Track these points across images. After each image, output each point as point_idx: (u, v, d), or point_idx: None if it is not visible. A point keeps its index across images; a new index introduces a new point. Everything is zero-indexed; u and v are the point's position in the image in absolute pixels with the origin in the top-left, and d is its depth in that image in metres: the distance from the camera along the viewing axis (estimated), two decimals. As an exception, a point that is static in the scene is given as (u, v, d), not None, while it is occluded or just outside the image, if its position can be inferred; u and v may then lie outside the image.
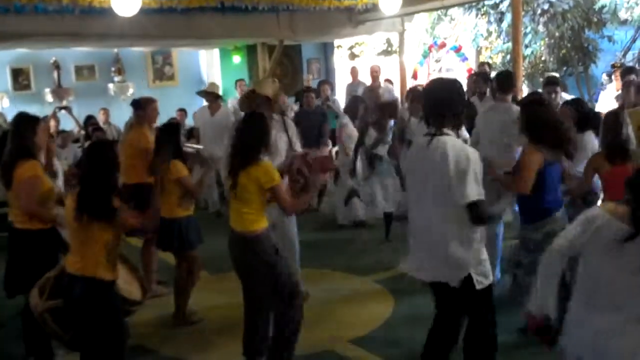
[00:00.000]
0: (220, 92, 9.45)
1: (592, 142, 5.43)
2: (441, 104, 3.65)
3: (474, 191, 3.45)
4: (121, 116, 10.34)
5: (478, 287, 3.58)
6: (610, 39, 12.83)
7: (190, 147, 7.75)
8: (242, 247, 4.29)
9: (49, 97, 11.57)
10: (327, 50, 14.77)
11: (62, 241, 4.42)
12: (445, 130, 3.59)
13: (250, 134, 4.24)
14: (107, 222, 3.62)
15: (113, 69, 12.44)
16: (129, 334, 4.10)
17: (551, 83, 7.06)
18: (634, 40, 12.72)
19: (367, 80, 11.98)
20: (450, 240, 3.53)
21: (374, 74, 11.07)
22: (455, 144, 3.56)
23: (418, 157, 3.71)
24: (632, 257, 2.67)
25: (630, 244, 2.67)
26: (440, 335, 3.88)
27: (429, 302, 4.15)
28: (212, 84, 9.42)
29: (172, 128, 5.53)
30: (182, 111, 11.52)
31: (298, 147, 5.52)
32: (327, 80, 12.85)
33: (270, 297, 4.32)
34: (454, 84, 3.84)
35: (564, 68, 13.19)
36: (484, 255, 3.66)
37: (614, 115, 4.99)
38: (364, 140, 7.58)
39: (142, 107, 6.39)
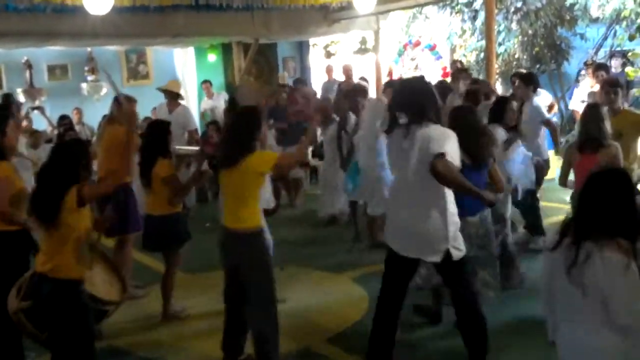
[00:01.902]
0: (183, 90, 9.37)
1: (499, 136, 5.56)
2: (418, 100, 3.97)
3: (446, 148, 3.82)
4: (94, 116, 10.26)
5: (455, 258, 3.99)
6: (582, 36, 12.96)
7: (183, 149, 7.75)
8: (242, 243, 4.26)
9: (21, 97, 11.37)
10: (302, 48, 14.77)
11: (34, 242, 4.37)
12: (425, 121, 3.92)
13: (243, 126, 4.25)
14: (53, 226, 3.58)
15: (86, 68, 12.31)
16: (100, 334, 4.07)
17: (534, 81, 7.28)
18: (605, 38, 12.87)
19: (342, 79, 12.04)
20: (430, 220, 3.92)
21: (347, 72, 11.16)
22: (437, 129, 3.92)
23: (400, 147, 4.02)
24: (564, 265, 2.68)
25: (564, 253, 2.68)
26: (391, 306, 4.23)
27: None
28: (173, 82, 9.32)
29: (160, 126, 5.54)
30: (158, 110, 11.43)
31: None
32: (302, 78, 12.88)
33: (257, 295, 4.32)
34: (425, 81, 4.22)
35: (537, 66, 13.30)
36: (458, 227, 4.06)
37: (589, 109, 5.25)
38: (346, 128, 7.57)
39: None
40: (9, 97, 9.09)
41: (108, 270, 4.26)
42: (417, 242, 4.03)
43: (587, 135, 5.06)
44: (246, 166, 4.11)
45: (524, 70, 9.83)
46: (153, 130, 5.52)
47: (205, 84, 12.22)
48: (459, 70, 9.16)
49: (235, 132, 4.28)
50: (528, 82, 7.15)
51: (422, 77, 4.54)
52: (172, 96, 8.60)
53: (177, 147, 7.77)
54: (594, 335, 2.67)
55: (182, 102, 9.17)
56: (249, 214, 4.22)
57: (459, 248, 4.05)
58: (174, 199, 5.33)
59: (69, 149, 3.81)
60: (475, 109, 5.36)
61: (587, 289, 2.60)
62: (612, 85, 6.11)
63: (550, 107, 9.40)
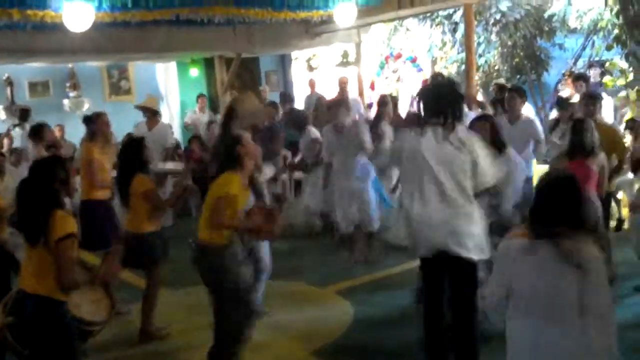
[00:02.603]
0: (165, 106, 9.33)
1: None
2: (446, 100, 4.09)
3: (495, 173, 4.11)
4: (77, 132, 10.18)
5: (476, 259, 4.08)
6: (561, 46, 13.12)
7: (169, 166, 7.75)
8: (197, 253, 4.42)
9: (3, 115, 11.31)
10: (285, 62, 14.83)
11: (15, 261, 4.34)
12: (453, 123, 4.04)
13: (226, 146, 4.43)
14: (40, 245, 3.55)
15: (68, 84, 12.23)
16: (84, 353, 4.03)
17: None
18: (583, 48, 13.03)
19: (332, 91, 12.00)
20: (468, 220, 4.04)
21: (342, 85, 11.09)
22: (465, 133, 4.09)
23: (424, 149, 4.06)
24: (547, 262, 2.77)
25: (539, 250, 2.79)
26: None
27: (386, 308, 4.22)
28: (151, 99, 9.28)
29: (136, 142, 5.53)
30: (140, 126, 11.39)
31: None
32: (287, 93, 12.89)
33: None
34: (453, 83, 4.43)
35: (518, 76, 13.44)
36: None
37: (577, 122, 5.56)
38: None
39: (93, 121, 6.36)
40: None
41: (95, 288, 4.21)
42: (446, 235, 4.07)
43: (579, 145, 5.36)
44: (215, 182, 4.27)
45: (502, 81, 9.91)
46: (128, 147, 5.53)
47: (202, 97, 12.25)
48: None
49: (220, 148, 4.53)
50: (523, 95, 6.89)
51: (449, 80, 4.72)
52: (151, 113, 8.57)
53: (163, 164, 7.78)
54: (584, 335, 2.75)
55: (162, 118, 9.16)
56: (205, 226, 4.31)
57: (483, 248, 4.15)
58: (154, 214, 5.31)
59: (45, 167, 3.79)
60: None
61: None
62: (591, 98, 6.39)
63: None
